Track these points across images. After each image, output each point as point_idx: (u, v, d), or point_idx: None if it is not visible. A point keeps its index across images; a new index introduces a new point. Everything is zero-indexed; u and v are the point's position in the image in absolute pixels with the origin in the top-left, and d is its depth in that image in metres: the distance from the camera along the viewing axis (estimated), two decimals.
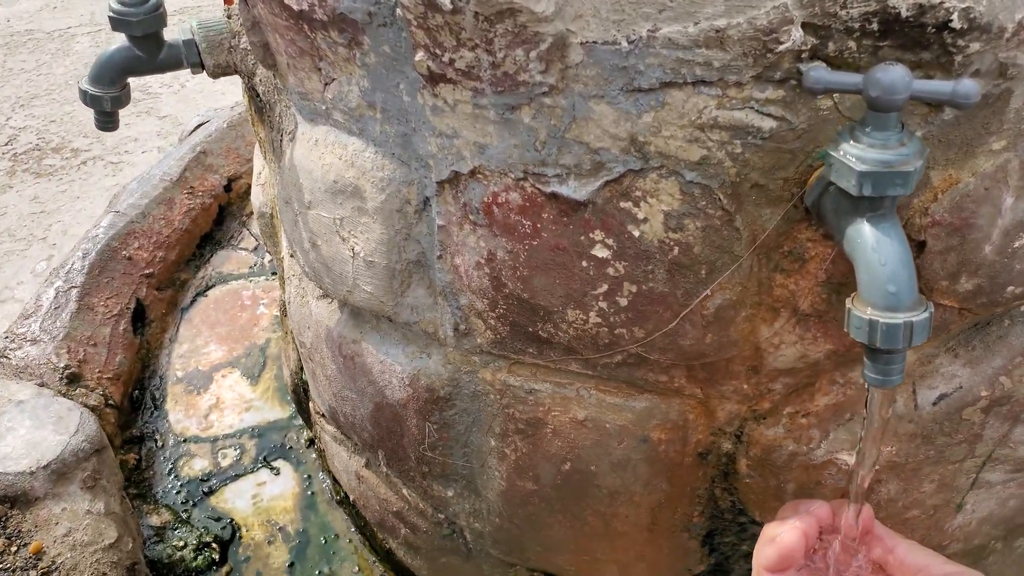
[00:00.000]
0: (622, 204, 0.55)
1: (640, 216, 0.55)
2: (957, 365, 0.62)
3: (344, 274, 0.72)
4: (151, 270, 1.52)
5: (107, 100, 0.78)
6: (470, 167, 0.58)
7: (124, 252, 1.48)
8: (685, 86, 0.48)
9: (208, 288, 1.62)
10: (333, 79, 0.61)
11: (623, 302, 0.59)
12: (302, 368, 1.13)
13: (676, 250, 0.56)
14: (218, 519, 1.17)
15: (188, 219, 1.63)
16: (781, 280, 0.57)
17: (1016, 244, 0.53)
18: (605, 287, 0.59)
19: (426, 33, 0.49)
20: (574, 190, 0.55)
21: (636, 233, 0.56)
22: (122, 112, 0.82)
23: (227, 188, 1.72)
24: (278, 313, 1.51)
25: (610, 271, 0.58)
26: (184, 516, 1.18)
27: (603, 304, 0.60)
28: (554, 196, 0.56)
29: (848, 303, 0.47)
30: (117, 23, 0.74)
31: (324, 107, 0.65)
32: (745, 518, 0.74)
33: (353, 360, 0.80)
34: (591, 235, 0.57)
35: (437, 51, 0.50)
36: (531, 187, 0.56)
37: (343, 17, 0.53)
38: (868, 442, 0.51)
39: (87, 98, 0.78)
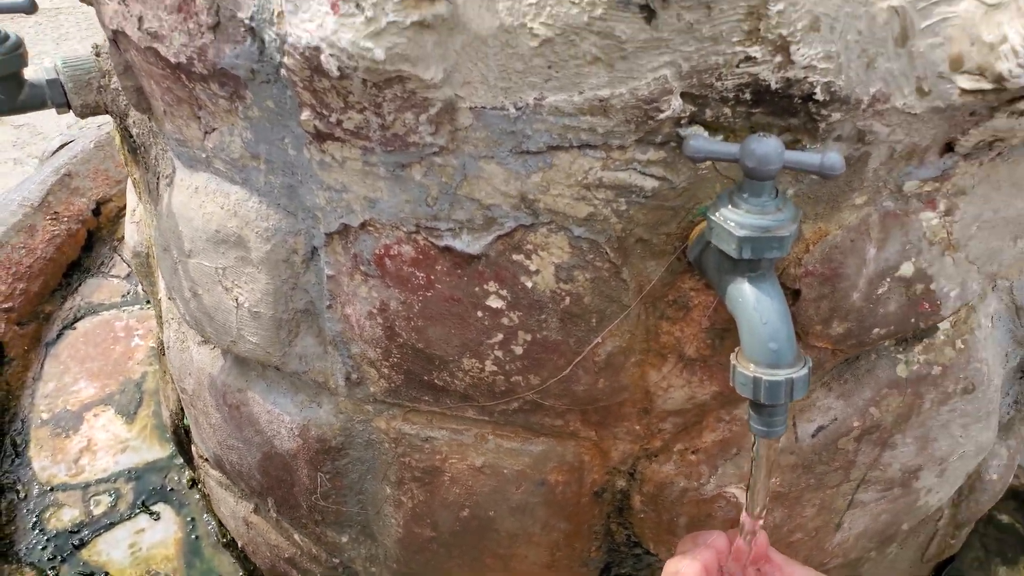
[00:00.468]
0: (514, 257, 0.55)
1: (532, 268, 0.55)
2: (831, 398, 0.66)
3: (228, 324, 0.69)
4: (10, 304, 1.41)
5: None
6: (360, 220, 0.57)
7: None
8: (571, 149, 0.48)
9: (77, 320, 1.51)
10: (214, 128, 0.58)
11: (518, 350, 0.60)
12: (183, 410, 1.08)
13: (567, 300, 0.57)
14: (90, 574, 1.10)
15: (52, 247, 1.52)
16: (667, 327, 0.58)
17: (880, 291, 0.57)
18: (500, 336, 0.59)
19: (312, 95, 0.48)
20: (467, 244, 0.55)
21: (529, 284, 0.56)
22: None
23: (96, 212, 1.61)
24: (154, 345, 1.43)
25: (505, 321, 0.58)
26: (52, 574, 1.09)
27: (499, 353, 0.60)
28: (447, 249, 0.56)
29: (732, 359, 0.49)
30: None
31: (204, 155, 0.62)
32: (640, 550, 0.76)
33: (239, 409, 0.77)
34: (485, 286, 0.57)
35: (324, 111, 0.48)
36: (424, 240, 0.56)
37: (224, 72, 0.51)
38: (757, 484, 0.53)
39: None
